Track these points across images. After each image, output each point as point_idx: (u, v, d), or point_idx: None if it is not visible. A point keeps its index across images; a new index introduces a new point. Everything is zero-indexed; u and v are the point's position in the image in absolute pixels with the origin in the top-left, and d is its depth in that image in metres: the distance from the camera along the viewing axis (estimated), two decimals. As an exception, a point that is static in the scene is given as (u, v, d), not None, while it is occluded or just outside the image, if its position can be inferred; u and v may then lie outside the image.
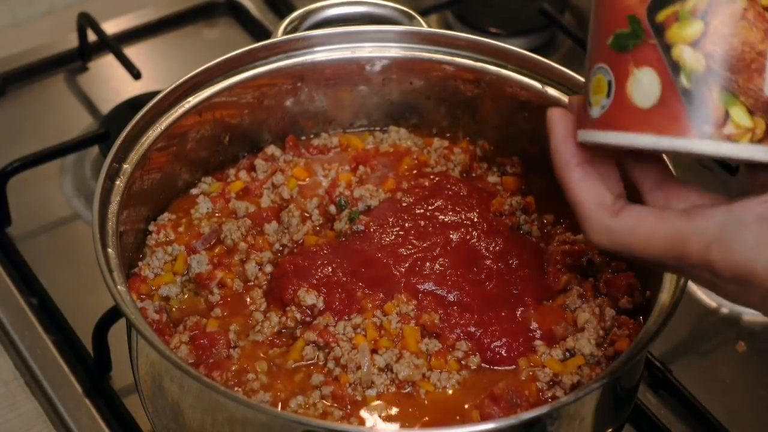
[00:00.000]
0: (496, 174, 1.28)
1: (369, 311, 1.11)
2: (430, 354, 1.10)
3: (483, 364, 1.10)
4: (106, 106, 1.57)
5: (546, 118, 0.98)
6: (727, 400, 1.29)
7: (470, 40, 1.28)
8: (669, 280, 1.09)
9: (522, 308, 1.13)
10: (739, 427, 1.26)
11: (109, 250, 1.08)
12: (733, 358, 1.34)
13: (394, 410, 1.06)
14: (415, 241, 1.15)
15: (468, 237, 1.16)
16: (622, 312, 1.14)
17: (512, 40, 1.63)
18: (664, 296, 1.08)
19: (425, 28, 1.30)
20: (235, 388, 1.07)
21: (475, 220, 1.18)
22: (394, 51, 1.28)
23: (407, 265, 1.14)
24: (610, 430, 1.10)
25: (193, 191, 1.25)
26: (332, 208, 1.22)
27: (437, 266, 1.13)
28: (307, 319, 1.12)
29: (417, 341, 1.10)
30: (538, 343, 1.11)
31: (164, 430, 1.10)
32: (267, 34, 1.60)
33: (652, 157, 0.98)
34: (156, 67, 1.65)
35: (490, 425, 0.99)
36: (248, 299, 1.15)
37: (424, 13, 1.44)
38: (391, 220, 1.18)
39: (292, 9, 1.50)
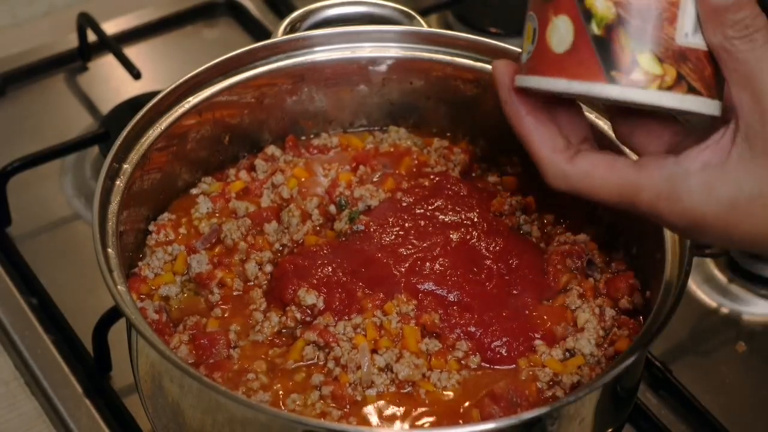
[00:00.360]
0: (496, 174, 1.28)
1: (369, 311, 1.11)
2: (430, 354, 1.10)
3: (483, 364, 1.10)
4: (106, 106, 1.57)
5: (492, 70, 1.02)
6: (727, 400, 1.29)
7: (470, 40, 1.28)
8: (669, 281, 1.09)
9: (522, 308, 1.13)
10: (739, 427, 1.26)
11: (109, 250, 1.08)
12: (733, 358, 1.34)
13: (394, 410, 1.06)
14: (415, 241, 1.15)
15: (468, 237, 1.16)
16: (622, 312, 1.14)
17: (512, 40, 1.62)
18: (664, 296, 1.08)
19: (425, 28, 1.30)
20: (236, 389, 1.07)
21: (475, 220, 1.18)
22: (394, 51, 1.28)
23: (407, 265, 1.14)
24: (610, 430, 1.10)
25: (193, 191, 1.25)
26: (332, 208, 1.22)
27: (437, 266, 1.13)
28: (307, 319, 1.12)
29: (417, 341, 1.10)
30: (538, 343, 1.11)
31: (164, 430, 1.10)
32: (267, 34, 1.60)
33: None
34: (156, 67, 1.65)
35: (490, 425, 0.99)
36: (248, 299, 1.15)
37: (424, 13, 1.44)
38: (391, 220, 1.18)
39: (292, 9, 1.50)
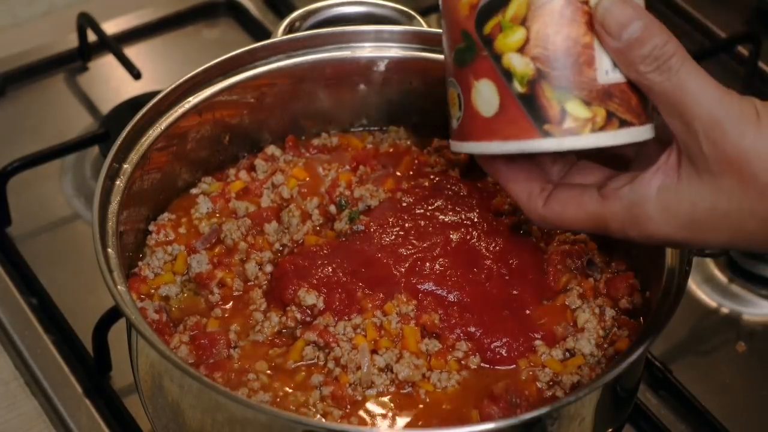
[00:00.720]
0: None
1: (369, 311, 1.11)
2: (430, 354, 1.10)
3: (483, 364, 1.10)
4: (106, 106, 1.57)
5: None
6: (727, 400, 1.29)
7: (470, 40, 1.28)
8: (669, 281, 1.09)
9: (522, 308, 1.13)
10: (739, 427, 1.26)
11: (109, 250, 1.08)
12: (733, 358, 1.34)
13: (394, 410, 1.06)
14: (415, 241, 1.15)
15: (468, 237, 1.16)
16: (622, 312, 1.14)
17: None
18: (664, 296, 1.08)
19: (425, 28, 1.30)
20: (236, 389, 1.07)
21: (475, 220, 1.18)
22: (394, 51, 1.28)
23: (407, 265, 1.14)
24: (610, 430, 1.10)
25: (193, 191, 1.25)
26: (332, 208, 1.22)
27: (437, 266, 1.13)
28: (307, 319, 1.12)
29: (417, 341, 1.10)
30: (538, 343, 1.11)
31: (164, 430, 1.10)
32: (267, 34, 1.60)
33: None
34: (156, 67, 1.65)
35: (490, 425, 0.99)
36: (248, 299, 1.15)
37: (424, 13, 1.44)
38: (391, 220, 1.18)
39: (292, 9, 1.50)
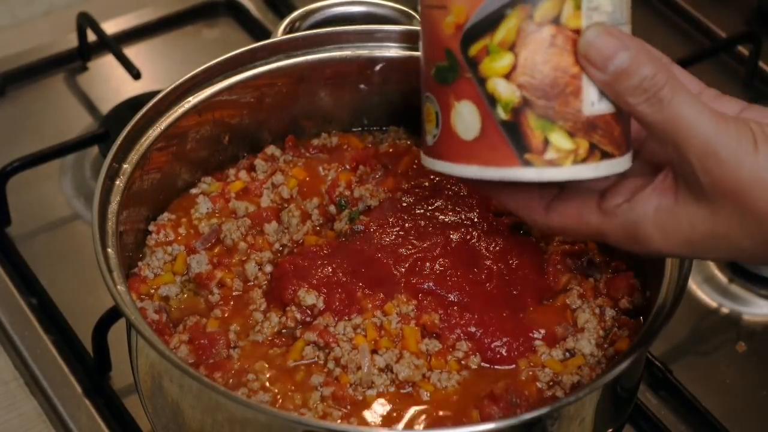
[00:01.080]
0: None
1: (369, 311, 1.11)
2: (430, 354, 1.10)
3: (483, 364, 1.10)
4: (106, 106, 1.57)
5: None
6: (727, 400, 1.29)
7: (470, 40, 1.27)
8: (669, 281, 1.09)
9: (522, 308, 1.12)
10: (739, 427, 1.26)
11: (109, 250, 1.08)
12: (733, 358, 1.34)
13: (394, 410, 1.06)
14: (415, 241, 1.15)
15: (468, 237, 1.16)
16: (622, 312, 1.14)
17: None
18: (664, 296, 1.08)
19: (425, 28, 1.30)
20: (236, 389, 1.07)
21: (475, 220, 1.18)
22: (394, 51, 1.28)
23: (407, 265, 1.13)
24: (610, 430, 1.10)
25: (193, 191, 1.25)
26: (332, 208, 1.22)
27: (437, 266, 1.13)
28: (307, 319, 1.12)
29: (417, 341, 1.10)
30: (538, 343, 1.11)
31: (164, 430, 1.10)
32: (267, 34, 1.60)
33: None
34: (156, 67, 1.65)
35: (490, 425, 0.99)
36: (248, 299, 1.15)
37: (423, 13, 1.44)
38: (391, 220, 1.18)
39: (292, 9, 1.50)
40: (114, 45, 1.62)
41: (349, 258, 1.14)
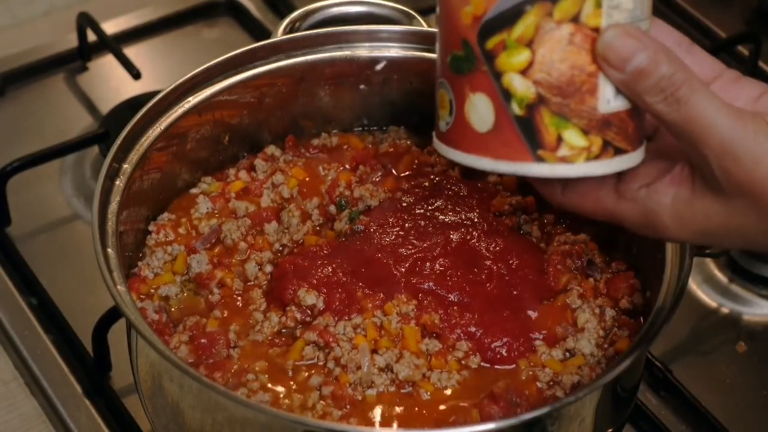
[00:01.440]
0: (496, 174, 1.28)
1: (369, 311, 1.11)
2: (431, 354, 1.10)
3: (483, 364, 1.10)
4: (105, 106, 1.57)
5: None
6: (727, 400, 1.29)
7: (470, 40, 1.27)
8: (669, 281, 1.09)
9: (522, 308, 1.12)
10: (739, 427, 1.26)
11: (109, 250, 1.08)
12: (733, 358, 1.34)
13: (394, 410, 1.06)
14: (415, 241, 1.15)
15: (468, 237, 1.16)
16: (622, 312, 1.14)
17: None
18: (664, 296, 1.08)
19: (425, 28, 1.30)
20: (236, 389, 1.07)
21: (475, 220, 1.18)
22: (394, 51, 1.28)
23: (407, 265, 1.13)
24: (611, 430, 1.10)
25: (193, 191, 1.25)
26: (332, 208, 1.22)
27: (437, 266, 1.13)
28: (307, 319, 1.12)
29: (417, 341, 1.10)
30: (538, 343, 1.11)
31: (164, 430, 1.10)
32: (267, 34, 1.60)
33: None
34: (156, 67, 1.65)
35: (490, 425, 0.99)
36: (248, 299, 1.15)
37: (424, 13, 1.43)
38: (391, 220, 1.18)
39: (292, 9, 1.50)
40: (114, 45, 1.62)
41: (349, 258, 1.14)
